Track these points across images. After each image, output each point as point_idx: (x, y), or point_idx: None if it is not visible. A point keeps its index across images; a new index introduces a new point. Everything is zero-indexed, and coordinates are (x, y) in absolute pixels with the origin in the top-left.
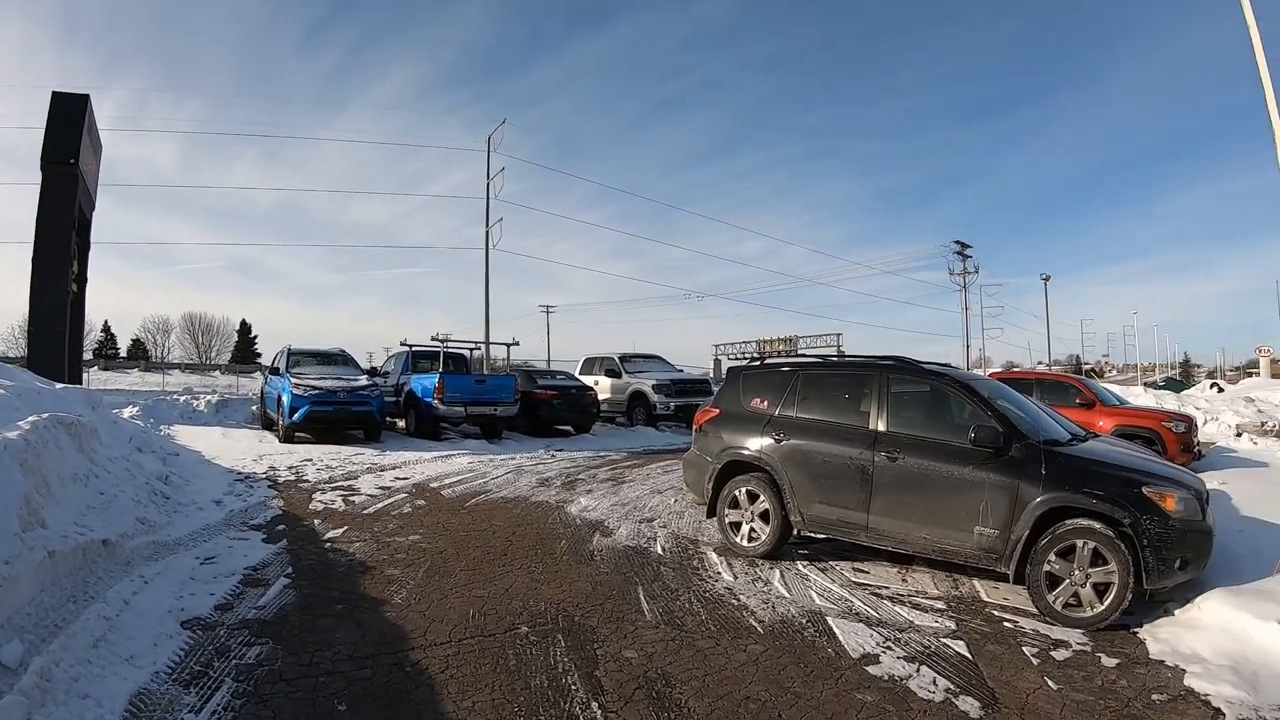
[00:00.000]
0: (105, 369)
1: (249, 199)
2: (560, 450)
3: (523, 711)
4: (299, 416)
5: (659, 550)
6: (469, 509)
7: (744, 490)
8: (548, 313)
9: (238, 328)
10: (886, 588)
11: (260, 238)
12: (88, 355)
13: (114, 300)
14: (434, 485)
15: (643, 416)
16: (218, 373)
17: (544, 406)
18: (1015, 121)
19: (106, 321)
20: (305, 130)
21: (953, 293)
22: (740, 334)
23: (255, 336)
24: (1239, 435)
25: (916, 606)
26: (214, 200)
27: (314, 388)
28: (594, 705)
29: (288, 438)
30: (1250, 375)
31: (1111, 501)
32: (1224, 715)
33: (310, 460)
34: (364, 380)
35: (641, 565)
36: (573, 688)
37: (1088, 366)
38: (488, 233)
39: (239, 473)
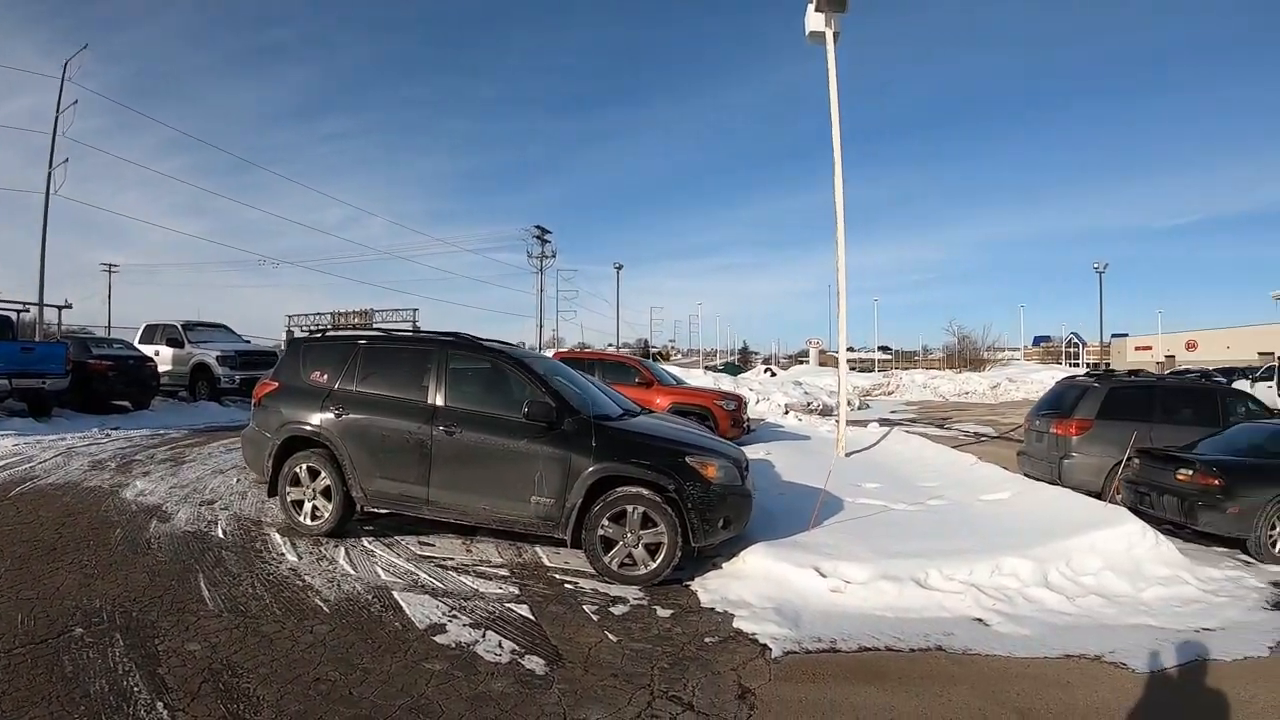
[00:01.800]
0: None
1: None
2: (116, 429)
3: None
4: None
5: (220, 534)
6: (12, 500)
7: (305, 467)
8: (110, 272)
9: None
10: (451, 559)
11: None
12: None
13: None
14: None
15: (206, 390)
16: None
17: (99, 379)
18: (604, 120)
19: None
20: None
21: (531, 275)
22: (316, 305)
23: None
24: (787, 413)
25: (481, 575)
26: None
27: None
28: (159, 705)
29: None
30: (801, 363)
31: (657, 470)
32: (770, 649)
33: None
34: None
35: (202, 551)
36: (135, 689)
37: (655, 350)
38: (50, 175)
39: None
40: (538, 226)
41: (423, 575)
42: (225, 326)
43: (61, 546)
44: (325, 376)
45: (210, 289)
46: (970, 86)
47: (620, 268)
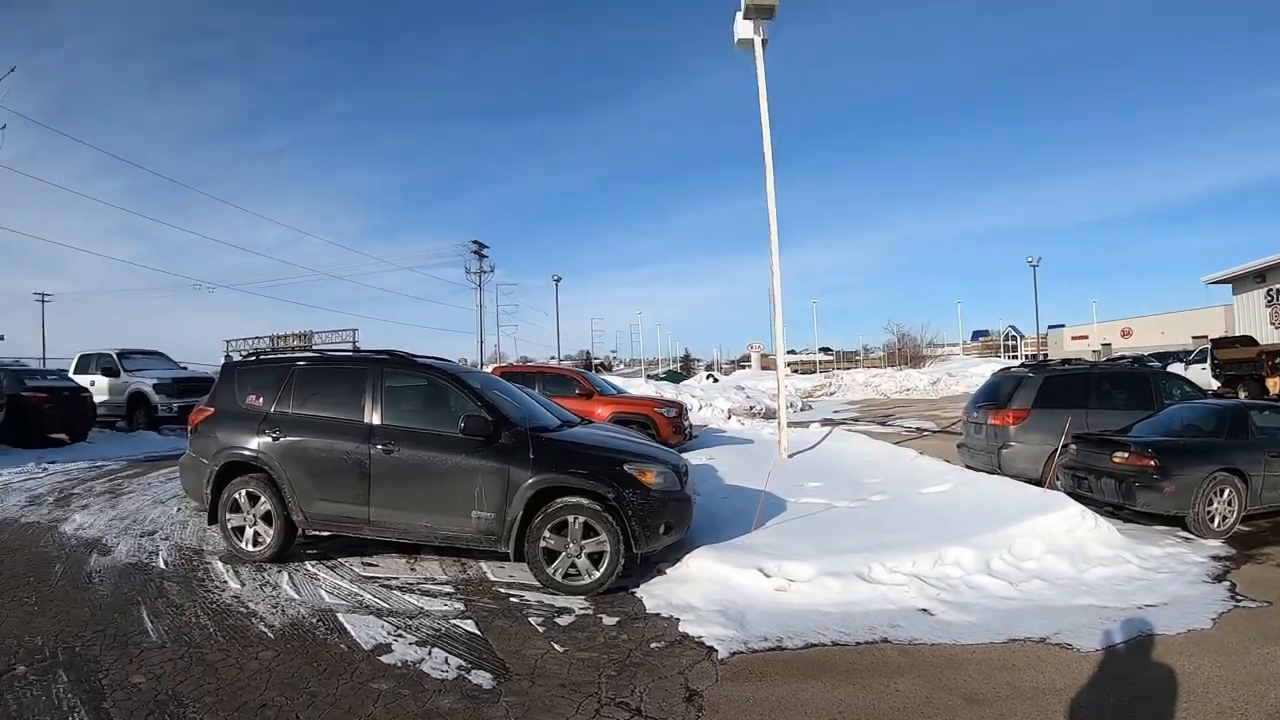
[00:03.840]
0: None
1: None
2: (53, 462)
3: None
4: None
5: (161, 564)
6: None
7: (244, 492)
8: (43, 301)
9: None
10: (396, 578)
11: None
12: None
13: None
14: None
15: (144, 420)
16: None
17: (33, 412)
18: (537, 132)
19: None
20: None
21: (470, 290)
22: (254, 329)
23: None
24: (729, 418)
25: (426, 593)
26: None
27: None
28: None
29: None
30: (744, 367)
31: (596, 479)
32: (717, 651)
33: None
34: None
35: (144, 583)
36: None
37: (597, 361)
38: None
39: None
40: (475, 241)
41: (367, 596)
42: (161, 354)
43: (0, 584)
44: (261, 400)
45: (145, 315)
46: (902, 87)
47: (559, 280)
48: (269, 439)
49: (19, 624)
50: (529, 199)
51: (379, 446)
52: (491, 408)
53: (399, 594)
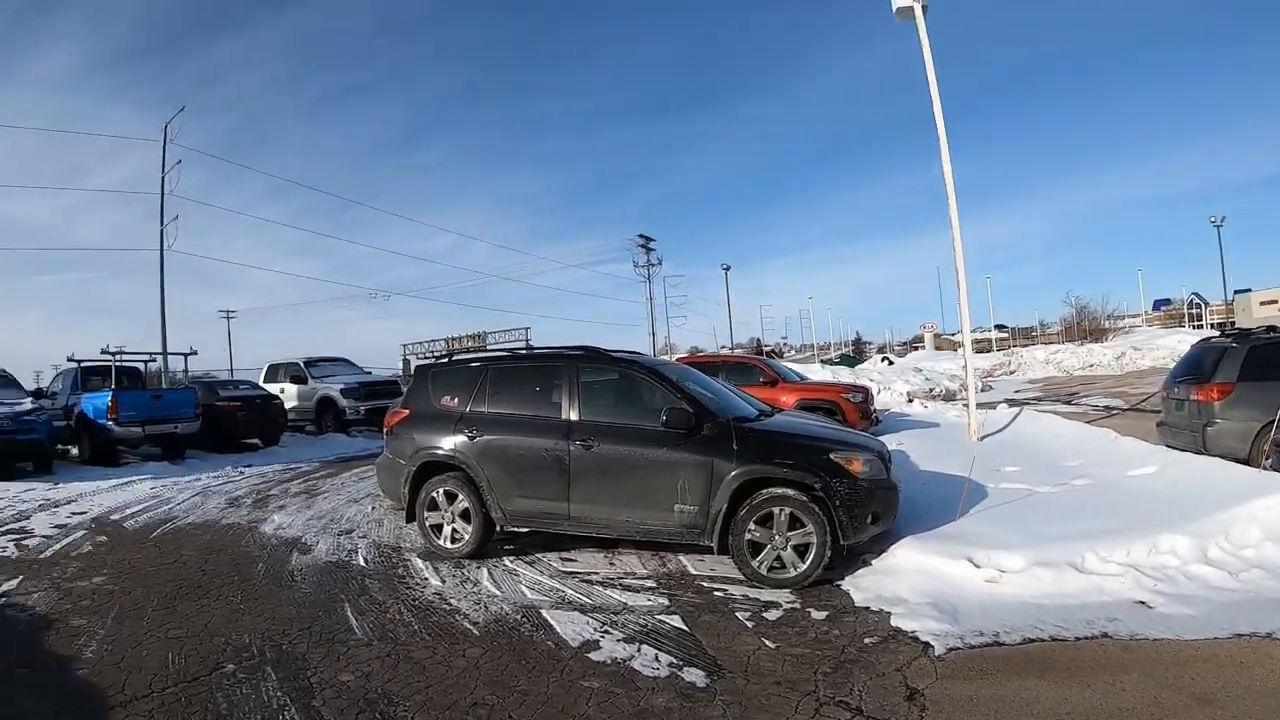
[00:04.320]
0: None
1: None
2: (249, 466)
3: None
4: None
5: (361, 562)
6: (155, 540)
7: (442, 491)
8: (229, 318)
9: None
10: (596, 573)
11: None
12: None
13: None
14: (115, 518)
15: (332, 423)
16: None
17: (228, 420)
18: (693, 123)
19: None
20: None
21: (638, 284)
22: (428, 332)
23: None
24: (910, 401)
25: (628, 588)
26: None
27: None
28: None
29: None
30: (916, 349)
31: (802, 469)
32: (933, 647)
33: None
34: (28, 404)
35: (345, 580)
36: None
37: (768, 348)
38: (163, 232)
39: None
40: (641, 235)
41: (569, 591)
42: (346, 360)
43: (206, 584)
44: (456, 400)
45: (327, 325)
46: (1068, 44)
47: (728, 268)
48: (466, 438)
49: (225, 622)
50: (691, 191)
51: (578, 442)
52: (692, 399)
53: (600, 589)
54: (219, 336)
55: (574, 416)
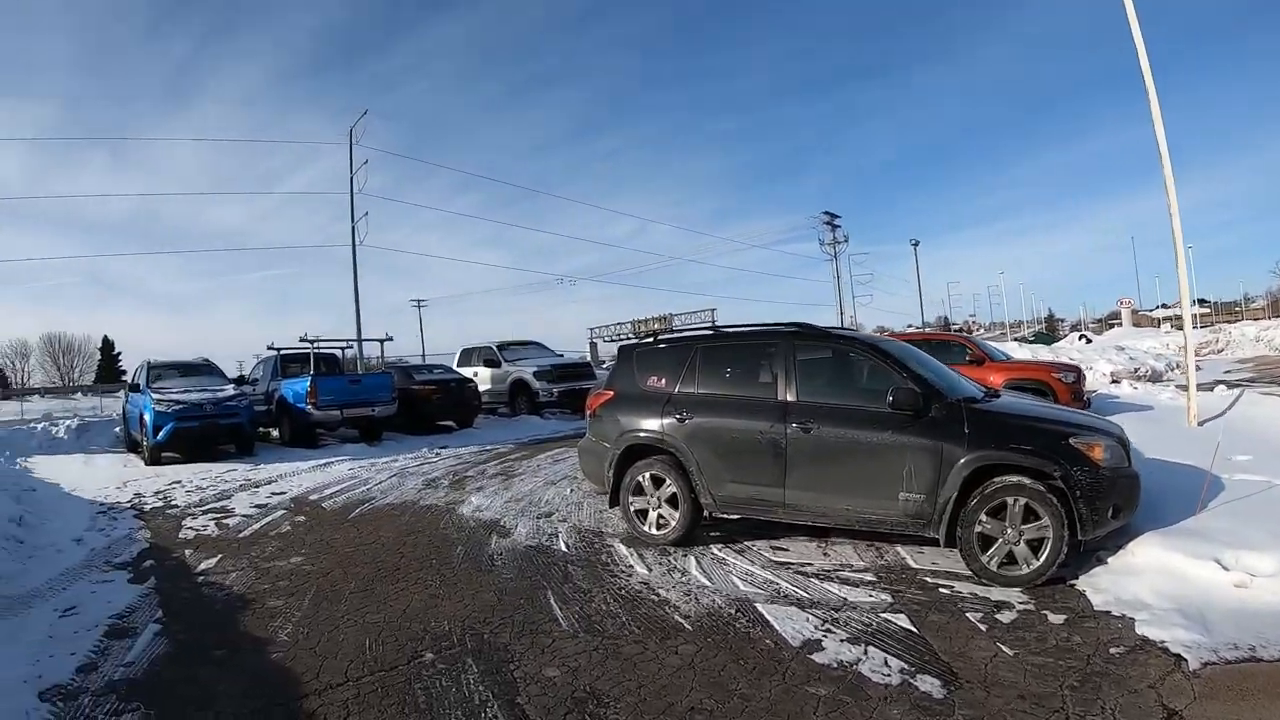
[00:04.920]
0: None
1: (100, 207)
2: (444, 448)
3: None
4: (164, 435)
5: (563, 547)
6: (353, 521)
7: (648, 475)
8: (419, 307)
9: (99, 346)
10: (810, 564)
11: (115, 248)
12: None
13: None
14: (314, 498)
15: (525, 405)
16: (78, 395)
17: (424, 403)
18: (871, 92)
19: None
20: (154, 129)
21: (820, 263)
22: (612, 316)
23: (119, 354)
24: (1115, 382)
25: (845, 581)
26: (64, 210)
27: (177, 402)
28: None
29: (154, 459)
30: (1113, 326)
31: (1040, 455)
32: (1186, 661)
33: (179, 482)
34: (231, 390)
35: (547, 566)
36: None
37: (956, 326)
38: (354, 229)
39: (102, 504)
40: (826, 213)
41: (784, 584)
42: (538, 343)
43: (404, 567)
44: (663, 381)
45: (512, 312)
46: None
47: (917, 244)
48: (674, 420)
49: (424, 608)
50: (872, 165)
51: (795, 425)
52: (919, 378)
53: (817, 582)
54: (409, 325)
55: (790, 397)
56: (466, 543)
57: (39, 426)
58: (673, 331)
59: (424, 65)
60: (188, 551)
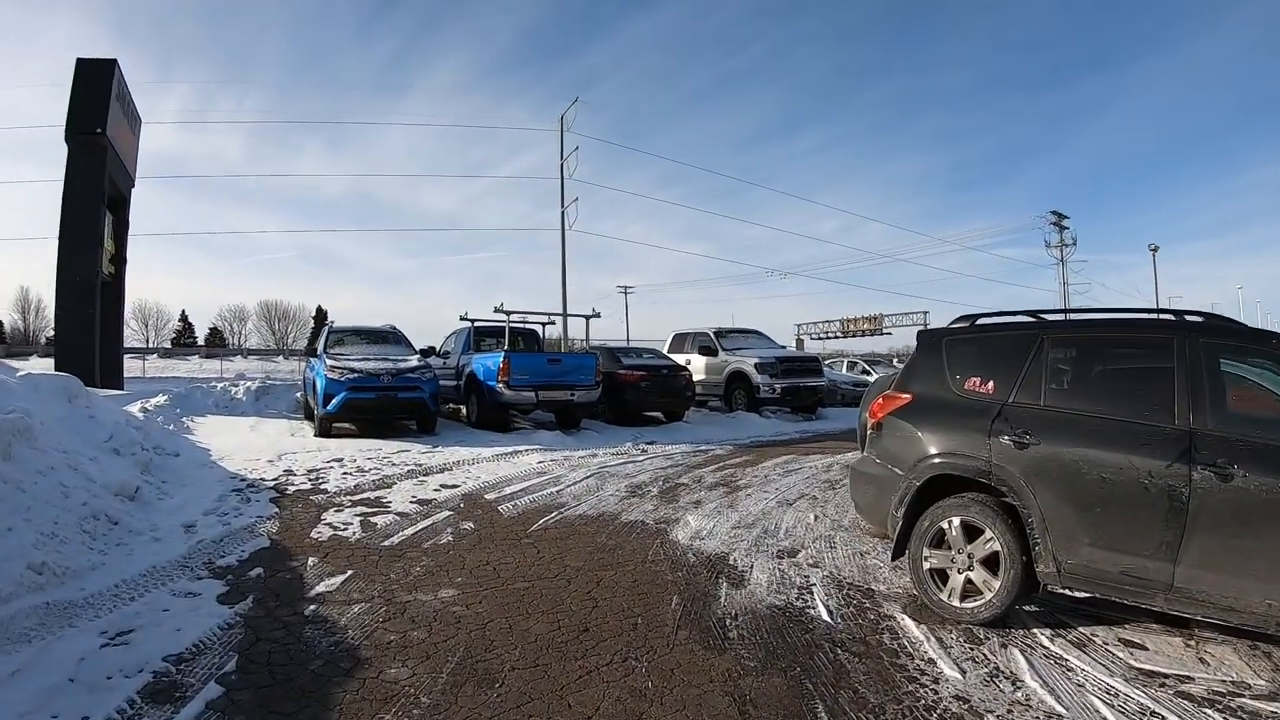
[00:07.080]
0: (165, 356)
1: (317, 187)
2: (652, 443)
3: None
4: (334, 405)
5: (824, 614)
6: (533, 537)
7: (958, 521)
8: (626, 293)
9: (314, 314)
10: (1188, 676)
11: (330, 224)
12: (165, 344)
13: (194, 290)
14: (489, 497)
15: (743, 401)
16: (280, 358)
17: (630, 390)
18: (1085, 90)
19: (184, 311)
20: (368, 117)
21: (1036, 269)
22: (816, 313)
23: (331, 323)
24: None
25: (1257, 716)
26: (284, 189)
27: (352, 371)
28: None
29: (323, 431)
30: None
31: None
32: None
33: (340, 460)
34: (415, 361)
35: (807, 651)
36: None
37: None
38: (563, 213)
39: (243, 479)
40: (1054, 212)
41: (1168, 714)
42: (760, 332)
43: (596, 627)
44: (990, 385)
45: (714, 303)
46: None
47: (1155, 249)
48: (1008, 443)
49: (620, 715)
50: (1090, 167)
51: (1205, 467)
52: None
53: (1209, 712)
54: (613, 313)
55: (1196, 424)
56: (684, 591)
57: (218, 386)
58: (1001, 314)
59: (626, 58)
60: (311, 560)
